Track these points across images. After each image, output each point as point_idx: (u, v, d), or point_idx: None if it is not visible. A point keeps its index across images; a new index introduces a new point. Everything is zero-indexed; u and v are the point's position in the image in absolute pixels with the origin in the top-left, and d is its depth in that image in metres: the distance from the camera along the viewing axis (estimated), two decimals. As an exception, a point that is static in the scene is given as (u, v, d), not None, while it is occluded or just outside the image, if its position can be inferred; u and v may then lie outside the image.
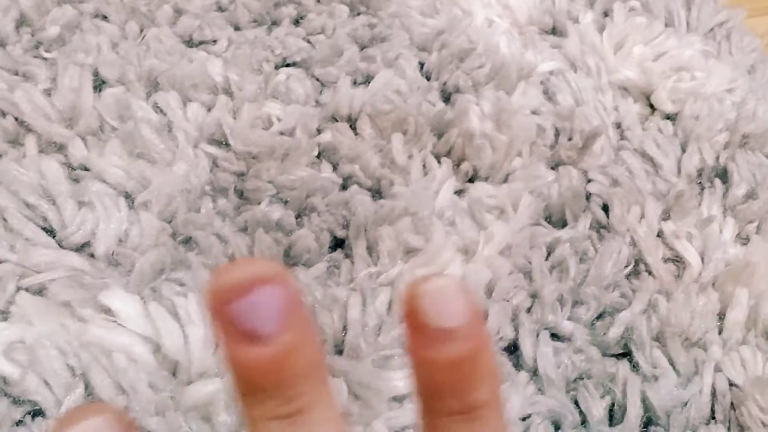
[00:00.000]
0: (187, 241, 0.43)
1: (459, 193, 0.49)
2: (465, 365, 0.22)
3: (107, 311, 0.38)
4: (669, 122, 0.57)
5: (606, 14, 0.65)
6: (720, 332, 0.45)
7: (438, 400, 0.23)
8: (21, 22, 0.51)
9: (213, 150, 0.47)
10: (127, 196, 0.44)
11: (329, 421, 0.22)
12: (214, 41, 0.54)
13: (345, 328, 0.40)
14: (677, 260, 0.48)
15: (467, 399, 0.22)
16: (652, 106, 0.59)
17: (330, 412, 0.22)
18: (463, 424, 0.23)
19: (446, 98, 0.55)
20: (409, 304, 0.21)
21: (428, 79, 0.56)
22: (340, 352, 0.40)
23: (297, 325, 0.20)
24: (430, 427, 0.24)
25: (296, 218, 0.44)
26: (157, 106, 0.48)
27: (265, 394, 0.21)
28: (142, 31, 0.53)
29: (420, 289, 0.21)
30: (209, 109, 0.49)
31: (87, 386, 0.36)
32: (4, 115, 0.45)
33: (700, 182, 0.54)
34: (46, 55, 0.50)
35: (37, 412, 0.35)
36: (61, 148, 0.45)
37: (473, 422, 0.23)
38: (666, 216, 0.50)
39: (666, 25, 0.66)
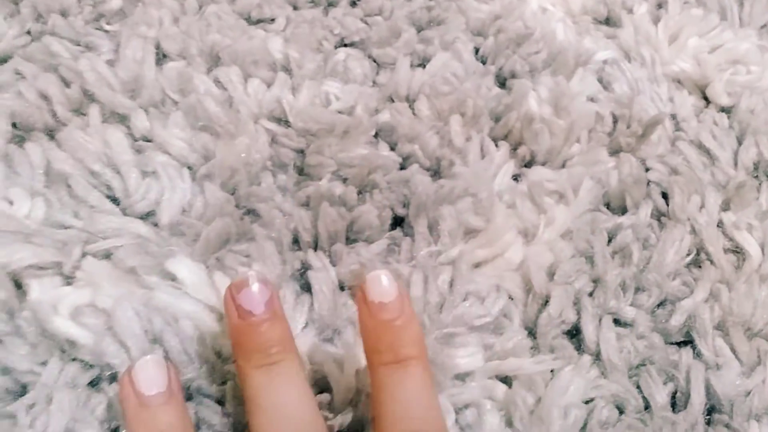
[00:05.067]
0: (249, 214, 0.43)
1: (515, 177, 0.49)
2: (396, 328, 0.32)
3: (173, 278, 0.38)
4: (724, 115, 0.57)
5: (660, 6, 0.64)
6: (781, 324, 0.44)
7: (379, 354, 0.33)
8: (83, -6, 0.51)
9: (272, 126, 0.47)
10: (190, 168, 0.44)
11: (295, 372, 0.32)
12: (272, 20, 0.53)
13: (408, 305, 0.40)
14: (737, 251, 0.47)
15: (399, 352, 0.32)
16: (706, 98, 0.59)
17: (296, 368, 0.32)
18: (396, 372, 0.32)
19: (501, 83, 0.55)
20: (360, 288, 0.33)
21: (483, 63, 0.55)
22: (403, 328, 0.39)
23: (275, 311, 0.33)
24: (374, 374, 0.33)
25: (358, 194, 0.44)
26: (218, 81, 0.48)
27: (252, 351, 0.32)
28: (201, 7, 0.53)
29: (366, 278, 0.33)
30: (269, 86, 0.49)
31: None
32: (67, 84, 0.46)
33: (756, 175, 0.53)
34: (107, 27, 0.50)
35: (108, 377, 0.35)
36: (123, 118, 0.45)
37: (404, 369, 0.32)
38: (726, 206, 0.49)
39: (720, 19, 0.65)
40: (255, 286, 0.33)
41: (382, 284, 0.33)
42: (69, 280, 0.38)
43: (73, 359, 0.35)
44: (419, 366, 0.32)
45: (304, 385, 0.33)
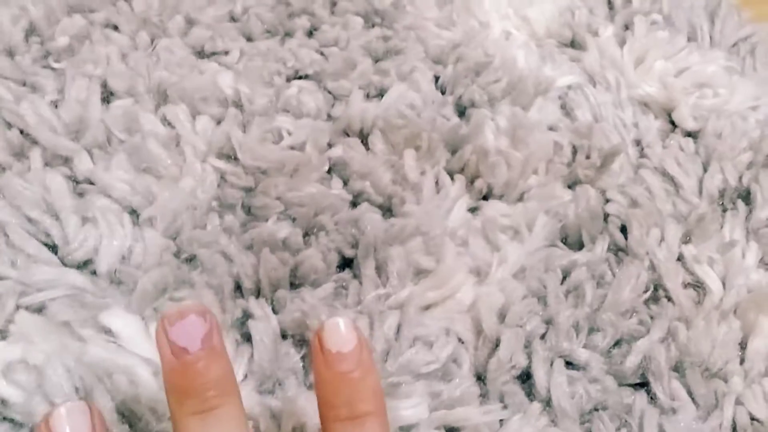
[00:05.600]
0: (192, 260, 0.42)
1: (472, 210, 0.48)
2: (353, 381, 0.30)
3: (107, 332, 0.37)
4: (690, 140, 0.56)
5: (627, 27, 0.63)
6: (741, 362, 0.43)
7: (333, 409, 0.30)
8: (30, 31, 0.50)
9: (221, 164, 0.46)
10: (132, 212, 0.43)
11: (234, 420, 0.29)
12: (226, 52, 0.53)
13: (352, 353, 0.39)
14: (698, 286, 0.46)
15: (355, 408, 0.30)
16: (672, 122, 0.58)
17: (235, 414, 0.29)
18: (351, 429, 0.30)
19: (461, 112, 0.54)
20: (317, 335, 0.30)
21: (443, 92, 0.54)
22: (346, 378, 0.38)
23: (213, 347, 0.29)
24: (326, 431, 0.30)
25: (304, 237, 0.43)
26: (166, 119, 0.47)
27: (186, 396, 0.28)
28: (153, 41, 0.52)
29: (324, 325, 0.30)
30: (218, 123, 0.48)
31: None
32: (9, 126, 0.45)
33: (722, 203, 0.52)
34: (54, 65, 0.49)
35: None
36: (66, 161, 0.44)
37: (360, 427, 0.30)
38: (687, 239, 0.48)
39: (689, 39, 0.64)
40: (190, 319, 0.28)
41: (340, 332, 0.30)
42: (2, 334, 0.37)
43: (3, 418, 0.34)
44: (376, 423, 0.30)
45: None
